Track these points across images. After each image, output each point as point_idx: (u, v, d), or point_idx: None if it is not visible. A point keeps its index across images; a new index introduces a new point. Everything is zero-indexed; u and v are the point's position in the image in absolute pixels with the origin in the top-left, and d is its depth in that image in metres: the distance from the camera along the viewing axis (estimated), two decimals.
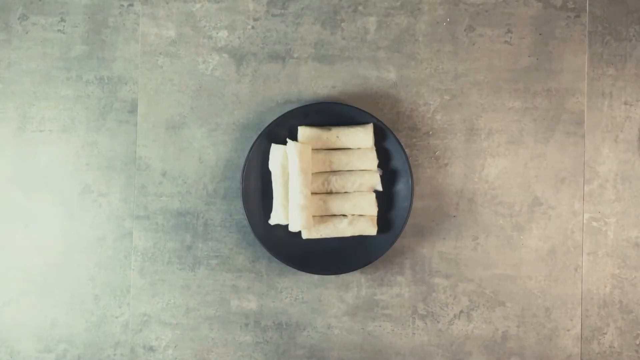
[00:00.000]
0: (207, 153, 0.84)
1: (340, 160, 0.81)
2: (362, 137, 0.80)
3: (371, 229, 0.80)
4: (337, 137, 0.80)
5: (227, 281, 0.83)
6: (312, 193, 0.80)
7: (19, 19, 0.84)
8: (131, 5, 0.84)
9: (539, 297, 0.83)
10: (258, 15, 0.84)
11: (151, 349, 0.83)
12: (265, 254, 0.83)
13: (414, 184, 0.82)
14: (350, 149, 0.81)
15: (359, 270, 0.82)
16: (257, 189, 0.82)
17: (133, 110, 0.84)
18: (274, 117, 0.81)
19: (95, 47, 0.84)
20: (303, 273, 0.82)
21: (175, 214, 0.83)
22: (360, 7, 0.84)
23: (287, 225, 0.81)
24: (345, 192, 0.81)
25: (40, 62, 0.84)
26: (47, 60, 0.84)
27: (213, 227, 0.83)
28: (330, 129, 0.80)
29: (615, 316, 0.83)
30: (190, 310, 0.83)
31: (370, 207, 0.80)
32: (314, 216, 0.80)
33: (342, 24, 0.84)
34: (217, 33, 0.84)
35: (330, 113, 0.81)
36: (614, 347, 0.83)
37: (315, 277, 0.83)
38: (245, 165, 0.80)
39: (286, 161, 0.80)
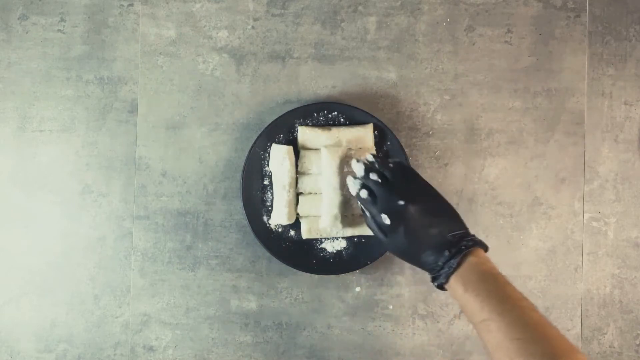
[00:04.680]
0: (207, 153, 0.84)
1: None
2: (362, 137, 0.80)
3: None
4: (337, 137, 0.80)
5: (227, 281, 0.83)
6: (312, 193, 0.80)
7: (19, 19, 0.84)
8: (131, 5, 0.84)
9: (539, 297, 0.83)
10: (258, 15, 0.84)
11: (151, 349, 0.83)
12: (265, 254, 0.83)
13: None
14: (350, 149, 0.81)
15: (359, 270, 0.82)
16: (257, 189, 0.81)
17: (133, 110, 0.84)
18: (274, 117, 0.81)
19: (95, 47, 0.84)
20: (303, 273, 0.82)
21: (175, 214, 0.83)
22: (360, 7, 0.84)
23: (287, 225, 0.81)
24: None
25: (40, 62, 0.84)
26: (47, 60, 0.84)
27: (213, 227, 0.83)
28: (330, 129, 0.80)
29: (615, 316, 0.83)
30: (190, 310, 0.83)
31: None
32: (313, 216, 0.80)
33: (342, 24, 0.84)
34: (217, 33, 0.84)
35: (330, 113, 0.81)
36: (614, 347, 0.83)
37: (315, 277, 0.83)
38: (245, 165, 0.80)
39: (286, 161, 0.80)
